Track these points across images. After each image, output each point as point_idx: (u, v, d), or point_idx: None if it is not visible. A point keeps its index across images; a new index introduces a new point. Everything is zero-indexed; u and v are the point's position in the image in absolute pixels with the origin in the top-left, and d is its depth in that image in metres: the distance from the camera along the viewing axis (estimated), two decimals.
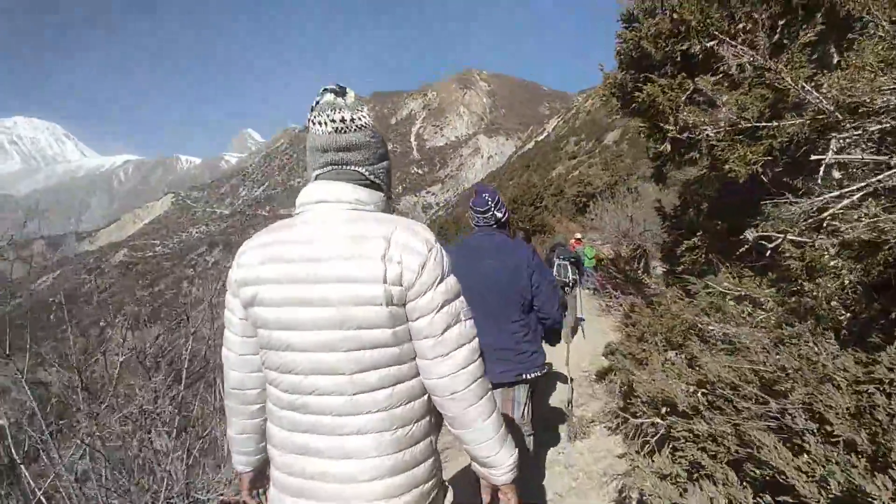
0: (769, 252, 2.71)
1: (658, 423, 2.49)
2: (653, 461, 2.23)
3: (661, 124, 3.14)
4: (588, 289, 12.94)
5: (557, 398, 5.76)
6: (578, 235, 14.30)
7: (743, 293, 2.57)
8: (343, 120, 1.24)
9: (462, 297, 1.28)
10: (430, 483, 1.31)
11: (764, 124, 2.69)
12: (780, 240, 2.62)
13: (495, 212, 2.80)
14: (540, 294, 2.73)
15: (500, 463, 1.29)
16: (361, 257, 1.16)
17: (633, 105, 3.78)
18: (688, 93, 3.10)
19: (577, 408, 5.52)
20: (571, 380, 5.37)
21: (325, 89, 1.26)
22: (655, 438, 2.51)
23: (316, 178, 1.29)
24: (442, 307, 1.20)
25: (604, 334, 8.64)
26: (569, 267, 8.78)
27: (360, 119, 1.26)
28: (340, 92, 1.26)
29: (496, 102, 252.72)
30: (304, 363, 1.20)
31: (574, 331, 9.16)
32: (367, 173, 1.29)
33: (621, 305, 8.61)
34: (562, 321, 3.02)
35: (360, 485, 1.20)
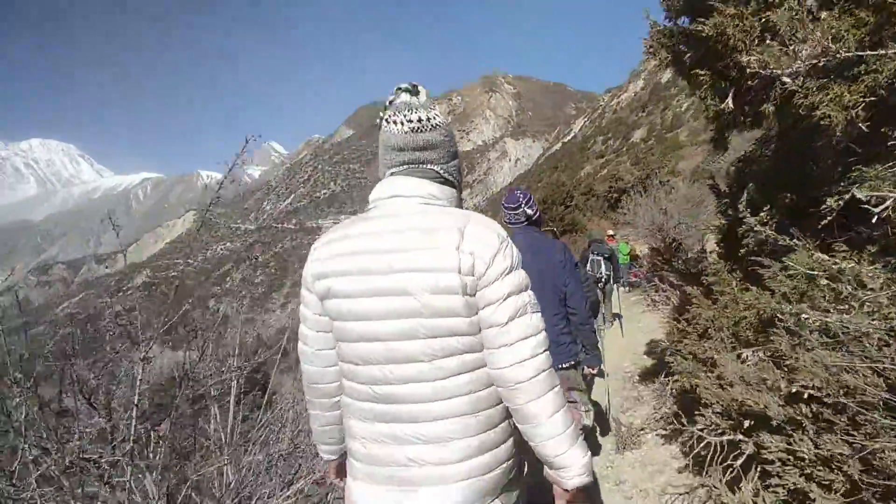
0: (875, 217, 2.13)
1: (742, 439, 1.92)
2: (741, 492, 1.67)
3: (736, 59, 2.53)
4: (623, 286, 12.44)
5: (599, 399, 5.19)
6: (611, 232, 13.61)
7: (844, 267, 1.98)
8: (420, 120, 1.27)
9: (530, 292, 1.25)
10: (511, 461, 1.31)
11: (870, 52, 2.09)
12: (892, 199, 2.03)
13: (525, 208, 2.92)
14: (567, 287, 2.88)
15: (569, 463, 1.22)
16: (436, 248, 1.18)
17: (688, 55, 3.17)
18: (761, 24, 2.51)
19: (622, 413, 4.95)
20: (607, 374, 4.92)
21: (399, 88, 1.30)
22: (740, 461, 1.94)
23: (391, 175, 1.32)
24: (507, 297, 1.19)
25: (644, 333, 8.09)
26: (602, 263, 8.50)
27: (434, 118, 1.29)
28: (414, 91, 1.30)
29: (522, 105, 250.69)
30: (382, 352, 1.22)
31: (612, 322, 8.89)
32: (441, 171, 1.33)
33: (669, 298, 7.95)
34: (588, 320, 3.12)
35: (450, 466, 1.21)
